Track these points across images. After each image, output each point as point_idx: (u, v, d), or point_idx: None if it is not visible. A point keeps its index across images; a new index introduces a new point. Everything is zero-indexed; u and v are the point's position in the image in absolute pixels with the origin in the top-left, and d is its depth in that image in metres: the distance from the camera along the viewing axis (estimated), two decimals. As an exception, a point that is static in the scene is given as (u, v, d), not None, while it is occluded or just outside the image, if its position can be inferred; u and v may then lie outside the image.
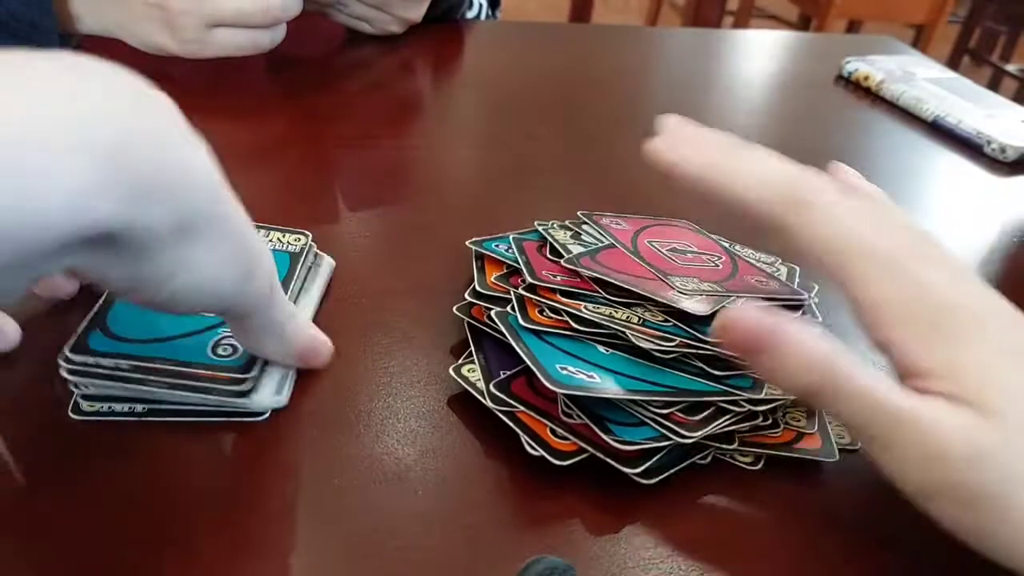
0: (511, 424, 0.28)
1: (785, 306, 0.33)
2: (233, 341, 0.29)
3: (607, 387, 0.27)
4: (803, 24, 2.77)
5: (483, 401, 0.28)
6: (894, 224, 0.27)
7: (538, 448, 0.27)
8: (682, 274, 0.33)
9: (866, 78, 0.68)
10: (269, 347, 0.28)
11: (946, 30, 2.31)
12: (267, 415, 0.28)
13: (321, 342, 0.30)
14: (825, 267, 0.26)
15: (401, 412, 0.30)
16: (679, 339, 0.29)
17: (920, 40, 2.25)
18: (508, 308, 0.31)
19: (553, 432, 0.27)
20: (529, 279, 0.32)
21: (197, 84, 0.54)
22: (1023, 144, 0.56)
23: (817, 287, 0.36)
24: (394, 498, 0.26)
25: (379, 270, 0.38)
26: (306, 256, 0.35)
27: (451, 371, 0.30)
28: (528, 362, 0.28)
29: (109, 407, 0.28)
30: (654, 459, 0.27)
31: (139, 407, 0.28)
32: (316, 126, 0.51)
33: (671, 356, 0.29)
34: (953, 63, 2.82)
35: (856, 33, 2.61)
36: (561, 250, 0.33)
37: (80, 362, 0.27)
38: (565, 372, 0.27)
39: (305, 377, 0.31)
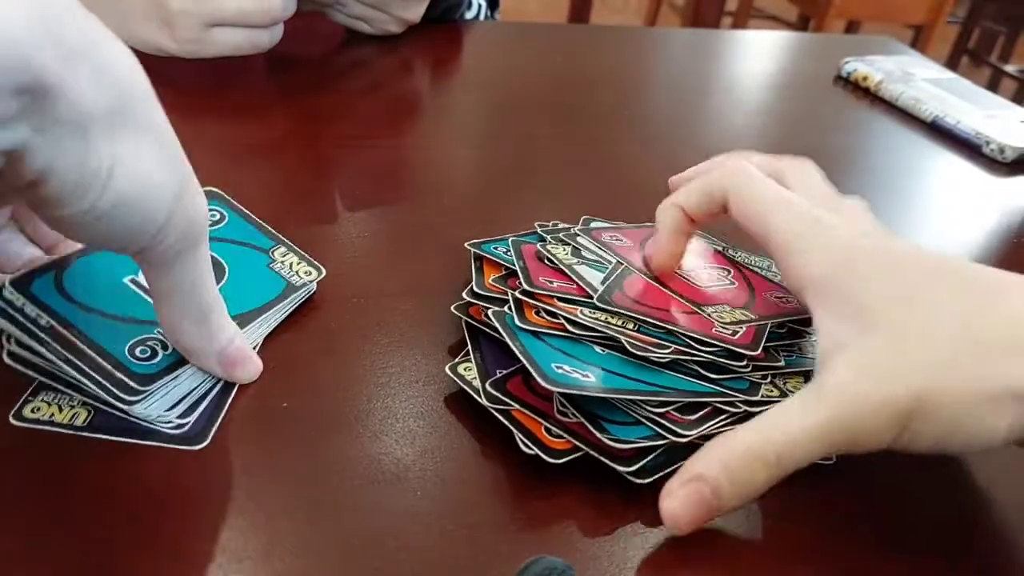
0: (506, 422, 0.28)
1: (804, 320, 0.33)
2: (155, 344, 0.28)
3: (602, 386, 0.27)
4: (802, 24, 2.77)
5: (478, 399, 0.28)
6: (812, 180, 0.33)
7: (532, 447, 0.27)
8: (709, 301, 0.33)
9: (865, 78, 0.68)
10: (189, 330, 0.27)
11: (945, 30, 2.31)
12: (202, 446, 0.27)
13: (251, 353, 0.30)
14: (752, 221, 0.30)
15: (400, 412, 0.30)
16: (673, 347, 0.29)
17: (919, 40, 2.25)
18: (505, 308, 0.31)
19: (548, 431, 0.27)
20: (525, 286, 0.31)
21: (196, 84, 0.54)
22: (1022, 144, 0.56)
23: None
24: (393, 498, 0.26)
25: (377, 270, 0.38)
26: (302, 292, 0.34)
27: (447, 369, 0.30)
28: (524, 361, 0.28)
29: (50, 416, 0.27)
30: (648, 458, 0.27)
31: (80, 420, 0.27)
32: (315, 126, 0.51)
33: (666, 361, 0.29)
34: (952, 63, 2.82)
35: (855, 33, 2.61)
36: (575, 278, 0.32)
37: (9, 300, 0.26)
38: (561, 371, 0.27)
39: (303, 378, 0.31)
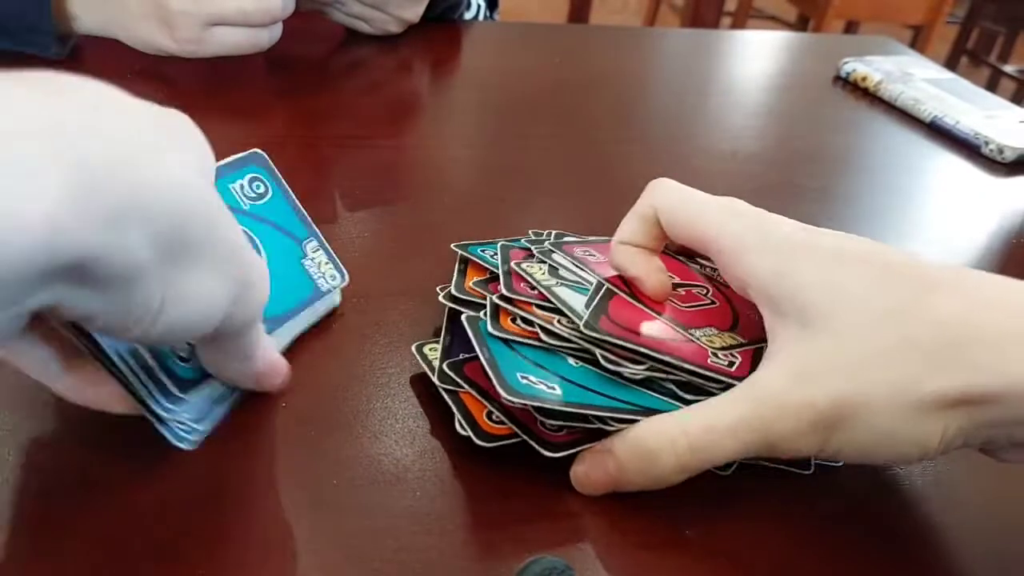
0: (449, 402, 0.28)
1: None
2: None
3: (565, 400, 0.27)
4: (801, 25, 2.77)
5: (431, 377, 0.29)
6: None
7: (467, 428, 0.27)
8: (695, 323, 0.31)
9: (864, 79, 0.68)
10: (231, 368, 0.26)
11: (944, 30, 2.32)
12: (193, 446, 0.26)
13: (282, 365, 0.29)
14: (685, 227, 0.30)
15: (399, 413, 0.30)
16: (649, 363, 0.28)
17: (918, 40, 2.25)
18: (482, 313, 0.30)
19: (489, 415, 0.28)
20: (504, 290, 0.31)
21: (196, 84, 0.54)
22: (1021, 145, 0.56)
23: None
24: (393, 498, 0.26)
25: (377, 270, 0.38)
26: (327, 300, 0.33)
27: (413, 348, 0.31)
28: (487, 369, 0.27)
29: None
30: (579, 448, 0.27)
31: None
32: (314, 126, 0.51)
33: (640, 378, 0.28)
34: (951, 64, 2.82)
35: (854, 34, 2.61)
36: (557, 302, 0.30)
37: None
38: (525, 382, 0.27)
39: (303, 378, 0.31)
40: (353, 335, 0.33)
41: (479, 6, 0.80)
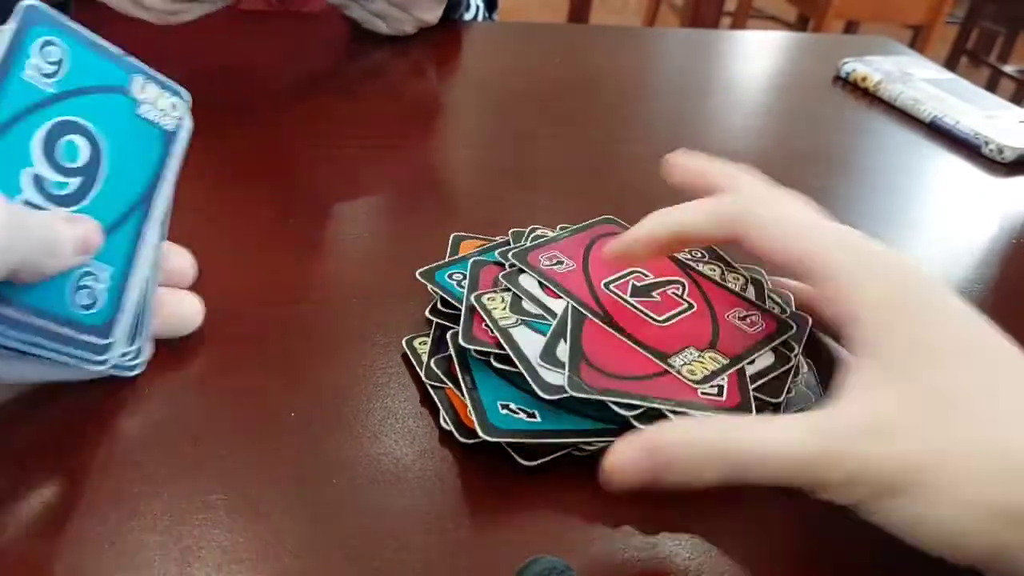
0: (435, 398, 0.29)
1: (783, 343, 0.30)
2: (90, 282, 0.26)
3: (542, 429, 0.27)
4: (801, 25, 2.77)
5: (419, 372, 0.30)
6: (816, 215, 0.30)
7: (450, 424, 0.28)
8: (673, 344, 0.29)
9: (864, 79, 0.68)
10: (51, 269, 0.24)
11: (944, 31, 2.31)
12: (143, 366, 0.28)
13: (82, 228, 0.25)
14: (778, 244, 0.28)
15: (399, 413, 0.30)
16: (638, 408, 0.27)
17: (918, 41, 2.25)
18: (460, 325, 0.30)
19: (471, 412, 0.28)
20: (462, 341, 0.29)
21: (198, 84, 0.54)
22: (1021, 145, 0.56)
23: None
24: (393, 498, 0.26)
25: (378, 270, 0.38)
26: (181, 135, 0.29)
27: (403, 342, 0.31)
28: (468, 402, 0.28)
29: None
30: (552, 456, 0.27)
31: None
32: (314, 126, 0.51)
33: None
34: (951, 64, 2.82)
35: (854, 34, 2.61)
36: (510, 350, 0.28)
37: None
38: (505, 411, 0.27)
39: (303, 378, 0.31)
40: (353, 335, 0.33)
41: (477, 7, 0.80)
